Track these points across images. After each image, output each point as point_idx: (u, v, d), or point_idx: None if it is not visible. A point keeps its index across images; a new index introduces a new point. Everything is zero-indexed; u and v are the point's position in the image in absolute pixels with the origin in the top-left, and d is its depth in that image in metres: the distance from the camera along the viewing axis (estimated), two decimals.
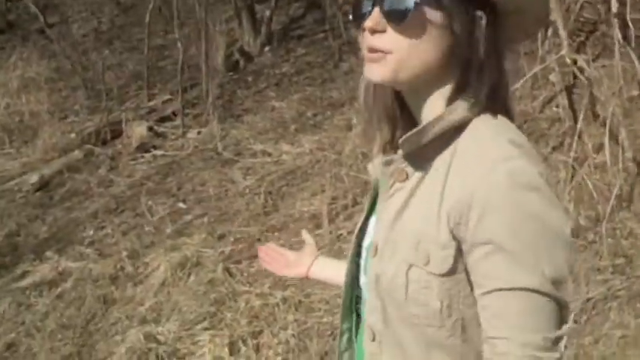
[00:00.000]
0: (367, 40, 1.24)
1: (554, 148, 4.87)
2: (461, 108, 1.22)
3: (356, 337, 1.48)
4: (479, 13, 1.21)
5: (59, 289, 4.74)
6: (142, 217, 5.14)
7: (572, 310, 1.34)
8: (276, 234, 4.70)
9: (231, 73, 7.15)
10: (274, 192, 5.09)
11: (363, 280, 1.40)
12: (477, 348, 1.22)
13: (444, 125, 1.22)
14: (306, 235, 1.86)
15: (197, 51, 7.02)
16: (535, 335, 1.14)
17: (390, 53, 1.22)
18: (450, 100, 1.24)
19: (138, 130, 6.02)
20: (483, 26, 1.21)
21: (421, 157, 1.25)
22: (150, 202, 5.27)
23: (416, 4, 1.20)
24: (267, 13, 7.45)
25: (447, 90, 1.25)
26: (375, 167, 1.40)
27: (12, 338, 4.47)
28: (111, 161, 5.99)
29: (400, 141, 1.25)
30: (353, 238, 1.47)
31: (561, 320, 1.16)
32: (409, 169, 1.27)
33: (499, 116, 1.24)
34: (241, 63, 7.26)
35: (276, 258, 1.84)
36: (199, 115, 6.50)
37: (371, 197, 1.43)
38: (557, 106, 5.17)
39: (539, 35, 5.23)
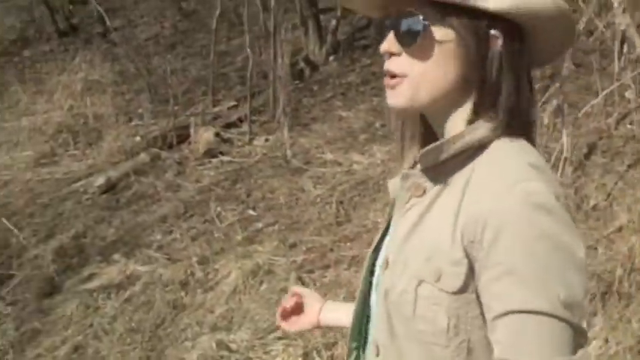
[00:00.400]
0: (385, 63, 1.24)
1: (629, 166, 4.72)
2: (482, 128, 1.21)
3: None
4: (493, 32, 1.19)
5: (127, 293, 4.67)
6: (211, 223, 5.07)
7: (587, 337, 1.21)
8: (348, 244, 4.59)
9: (296, 82, 7.07)
10: (346, 202, 4.99)
11: (373, 297, 1.37)
12: None
13: (463, 143, 1.21)
14: (298, 289, 1.78)
15: (262, 58, 6.96)
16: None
17: (405, 77, 1.21)
18: (471, 121, 1.22)
19: (205, 136, 5.96)
20: (499, 46, 1.19)
21: (439, 174, 1.24)
22: (219, 208, 5.19)
23: (424, 25, 1.18)
24: (333, 22, 7.36)
25: (466, 111, 1.23)
26: (393, 185, 1.37)
27: (79, 341, 4.41)
28: (178, 166, 5.93)
29: (419, 155, 1.24)
30: (367, 256, 1.44)
31: (576, 346, 1.12)
32: (427, 185, 1.26)
33: (521, 140, 1.22)
34: (306, 72, 7.18)
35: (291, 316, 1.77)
36: (266, 122, 6.43)
37: (388, 216, 1.41)
38: (631, 123, 5.03)
39: (615, 52, 5.12)
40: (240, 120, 6.44)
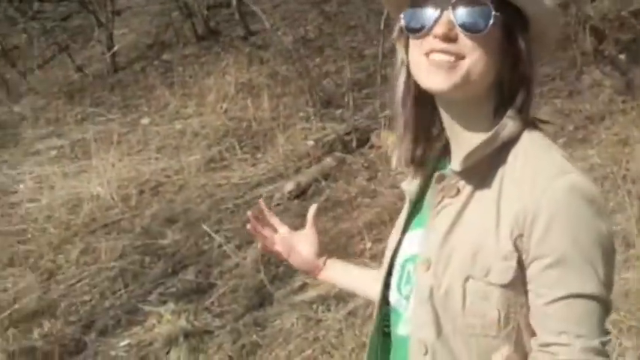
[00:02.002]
0: (433, 44, 1.26)
1: None
2: (510, 123, 1.27)
3: (381, 355, 1.47)
4: (527, 34, 1.29)
5: (351, 305, 4.33)
6: None
7: None
8: None
9: None
10: None
11: (394, 297, 1.41)
12: (524, 355, 1.25)
13: (499, 141, 1.26)
14: (310, 216, 1.79)
15: None
16: (593, 340, 1.19)
17: (463, 59, 1.25)
18: (496, 117, 1.29)
19: (391, 139, 5.59)
20: (529, 44, 1.29)
21: (473, 173, 1.28)
22: None
23: (495, 16, 1.25)
24: None
25: (492, 106, 1.30)
26: (407, 184, 1.43)
27: (308, 355, 4.08)
28: (367, 170, 5.58)
29: (463, 157, 1.27)
30: (386, 256, 1.45)
31: (605, 324, 1.22)
32: (460, 184, 1.30)
33: (540, 131, 1.31)
34: None
35: (267, 232, 1.80)
36: None
37: (406, 214, 1.45)
38: None
39: None
40: None
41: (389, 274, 1.44)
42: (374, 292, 1.52)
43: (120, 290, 4.96)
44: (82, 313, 4.88)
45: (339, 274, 1.76)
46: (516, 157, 1.27)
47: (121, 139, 7.23)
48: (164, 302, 4.72)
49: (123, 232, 5.56)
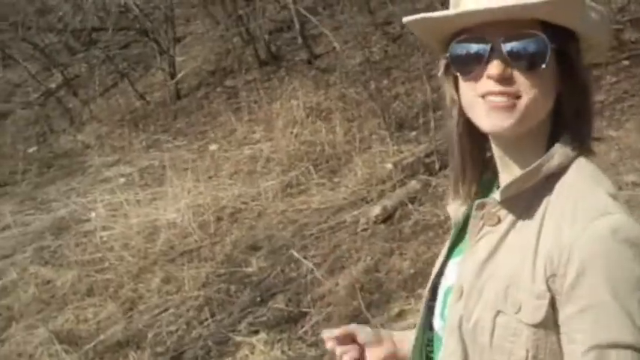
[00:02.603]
0: (489, 86, 1.18)
1: None
2: (558, 154, 1.19)
3: None
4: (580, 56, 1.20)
5: None
6: None
7: None
8: None
9: None
10: None
11: (438, 323, 1.35)
12: None
13: (545, 172, 1.19)
14: (362, 333, 1.56)
15: None
16: None
17: (520, 98, 1.17)
18: (547, 146, 1.21)
19: None
20: (584, 69, 1.21)
21: (515, 203, 1.21)
22: None
23: (551, 48, 1.16)
24: None
25: (544, 135, 1.22)
26: (454, 210, 1.36)
27: None
28: None
29: (503, 187, 1.22)
30: (430, 280, 1.40)
31: None
32: (501, 213, 1.23)
33: (592, 162, 1.21)
34: None
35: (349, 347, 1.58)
36: None
37: (450, 240, 1.39)
38: None
39: None
40: None
41: (432, 299, 1.38)
42: None
43: (207, 320, 4.76)
44: (169, 343, 4.69)
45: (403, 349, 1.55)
46: (561, 189, 1.19)
47: (191, 165, 7.07)
48: (255, 332, 4.51)
49: (204, 260, 5.37)
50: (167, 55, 8.75)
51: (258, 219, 5.78)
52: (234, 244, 5.42)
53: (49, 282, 5.71)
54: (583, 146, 1.21)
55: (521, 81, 1.17)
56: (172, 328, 4.81)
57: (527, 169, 1.20)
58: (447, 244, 1.40)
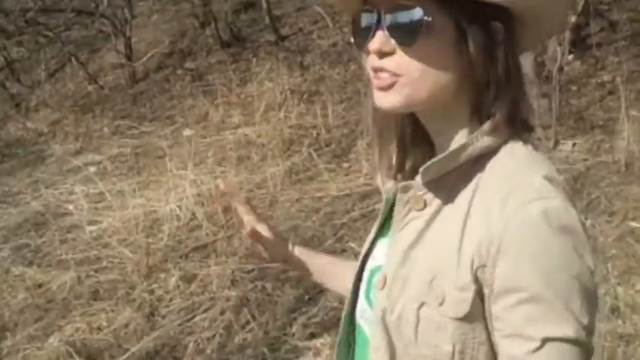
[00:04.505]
0: (373, 62, 1.04)
1: None
2: (486, 133, 1.03)
3: None
4: (496, 25, 1.01)
5: None
6: None
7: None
8: None
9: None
10: None
11: (361, 304, 1.21)
12: None
13: (469, 153, 1.03)
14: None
15: None
16: None
17: (401, 76, 1.02)
18: (472, 124, 1.06)
19: None
20: (501, 40, 1.02)
21: (441, 186, 1.07)
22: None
23: (427, 21, 1.00)
24: (572, 19, 6.30)
25: (465, 113, 1.06)
26: (386, 189, 1.20)
27: None
28: None
29: (422, 168, 1.05)
30: (358, 261, 1.26)
31: None
32: (427, 197, 1.08)
33: (528, 144, 1.06)
34: (554, 72, 6.10)
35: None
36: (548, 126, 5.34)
37: (381, 217, 1.23)
38: None
39: None
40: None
41: (359, 279, 1.24)
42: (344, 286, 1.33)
43: (249, 323, 4.05)
44: (209, 351, 3.95)
45: (308, 259, 1.47)
46: (492, 172, 1.04)
47: (168, 152, 6.26)
48: (312, 335, 3.85)
49: (224, 255, 4.64)
50: (123, 36, 7.82)
51: (272, 208, 5.08)
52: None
53: (40, 285, 4.83)
54: (513, 129, 1.05)
55: (402, 58, 1.03)
56: (208, 334, 4.07)
57: (449, 150, 1.05)
58: (378, 220, 1.24)
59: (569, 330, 0.98)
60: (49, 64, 8.53)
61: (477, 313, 1.03)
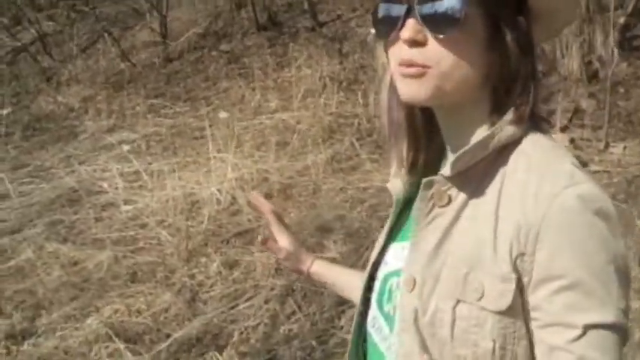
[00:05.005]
0: (402, 52, 1.02)
1: None
2: (510, 125, 1.03)
3: None
4: (520, 19, 1.02)
5: None
6: None
7: None
8: None
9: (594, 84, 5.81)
10: None
11: (373, 313, 1.17)
12: None
13: (495, 143, 1.02)
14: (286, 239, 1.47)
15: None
16: None
17: (431, 68, 1.00)
18: (495, 117, 1.04)
19: (562, 144, 4.66)
20: (524, 34, 1.02)
21: (466, 180, 1.04)
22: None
23: (465, 12, 0.98)
24: (622, 20, 6.11)
25: (488, 106, 1.06)
26: (395, 188, 1.17)
27: None
28: None
29: (453, 159, 1.03)
30: (367, 269, 1.22)
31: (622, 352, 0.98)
32: (452, 192, 1.05)
33: (548, 136, 1.05)
34: (601, 72, 5.91)
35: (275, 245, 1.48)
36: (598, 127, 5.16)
37: (391, 221, 1.20)
38: None
39: None
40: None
41: (368, 288, 1.19)
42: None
43: (295, 314, 3.88)
44: (253, 341, 3.79)
45: (327, 272, 1.49)
46: (517, 162, 1.02)
47: (204, 134, 6.09)
48: None
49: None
50: (159, 14, 7.63)
51: (316, 196, 4.91)
52: (299, 225, 4.53)
53: (76, 263, 4.67)
54: (533, 122, 1.04)
55: (435, 48, 1.00)
56: (252, 322, 3.90)
57: (478, 139, 1.03)
58: (387, 225, 1.21)
59: (609, 315, 0.96)
60: (81, 39, 8.34)
61: (517, 305, 0.99)
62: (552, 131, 4.73)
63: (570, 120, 5.16)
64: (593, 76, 5.92)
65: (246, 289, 4.14)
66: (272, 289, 4.08)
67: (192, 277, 4.32)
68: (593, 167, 4.65)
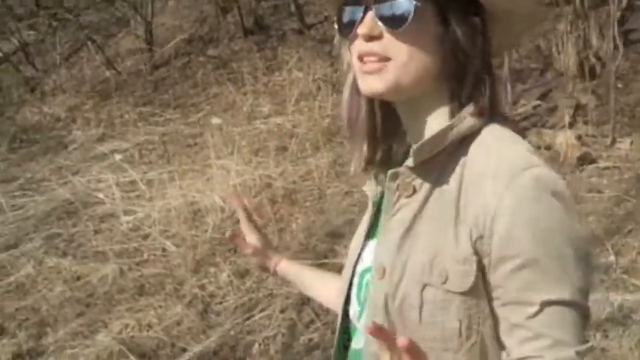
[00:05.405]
0: (361, 46, 1.08)
1: None
2: (469, 117, 1.07)
3: None
4: (475, 19, 1.07)
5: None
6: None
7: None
8: None
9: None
10: None
11: (353, 308, 1.20)
12: None
13: (455, 134, 1.07)
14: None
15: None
16: (569, 350, 0.99)
17: (389, 60, 1.06)
18: (454, 110, 1.09)
19: (570, 140, 4.59)
20: (479, 33, 1.07)
21: (429, 170, 1.09)
22: None
23: (417, 6, 1.05)
24: (617, 14, 6.05)
25: (446, 99, 1.10)
26: (371, 188, 1.22)
27: None
28: None
29: (414, 149, 1.08)
30: (348, 266, 1.24)
31: (585, 331, 1.02)
32: (416, 183, 1.10)
33: (506, 126, 1.10)
34: (597, 69, 5.86)
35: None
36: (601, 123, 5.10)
37: (369, 220, 1.22)
38: None
39: None
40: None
41: (350, 285, 1.22)
42: (331, 300, 1.37)
43: (314, 322, 3.76)
44: (272, 352, 3.66)
45: (293, 271, 1.53)
46: (477, 151, 1.06)
47: (197, 140, 5.94)
48: None
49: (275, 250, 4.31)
50: (143, 20, 7.46)
51: (321, 201, 4.78)
52: (308, 231, 4.40)
53: (79, 278, 4.50)
54: (492, 115, 1.08)
55: (390, 41, 1.06)
56: (270, 333, 3.77)
57: (438, 130, 1.07)
58: (365, 225, 1.23)
59: (566, 293, 0.99)
60: (64, 48, 8.12)
61: (480, 286, 1.02)
62: (557, 128, 4.66)
63: (573, 117, 5.09)
64: (590, 72, 5.86)
65: (259, 298, 4.01)
66: (287, 297, 3.95)
67: (202, 287, 4.18)
68: (602, 163, 4.59)
